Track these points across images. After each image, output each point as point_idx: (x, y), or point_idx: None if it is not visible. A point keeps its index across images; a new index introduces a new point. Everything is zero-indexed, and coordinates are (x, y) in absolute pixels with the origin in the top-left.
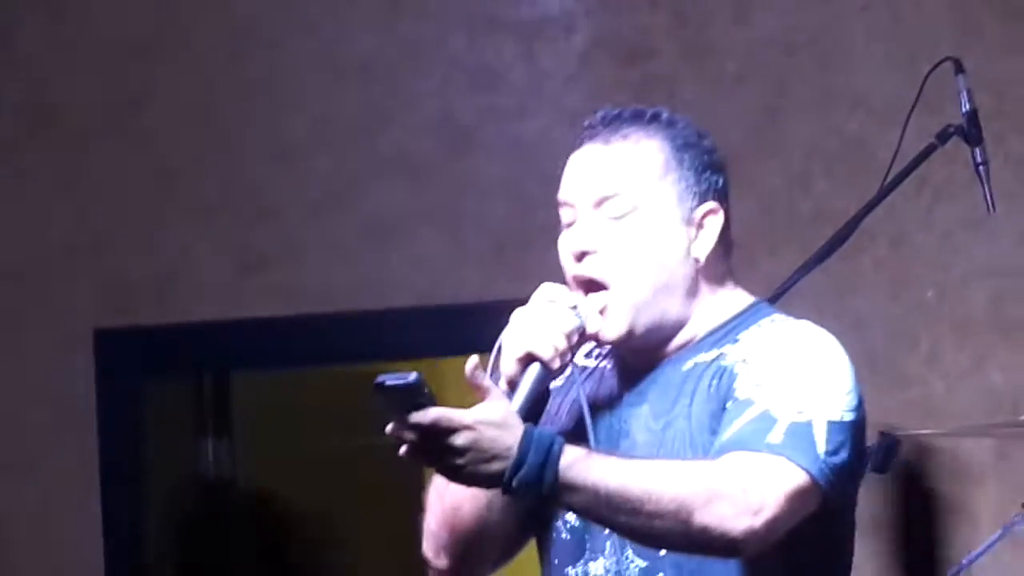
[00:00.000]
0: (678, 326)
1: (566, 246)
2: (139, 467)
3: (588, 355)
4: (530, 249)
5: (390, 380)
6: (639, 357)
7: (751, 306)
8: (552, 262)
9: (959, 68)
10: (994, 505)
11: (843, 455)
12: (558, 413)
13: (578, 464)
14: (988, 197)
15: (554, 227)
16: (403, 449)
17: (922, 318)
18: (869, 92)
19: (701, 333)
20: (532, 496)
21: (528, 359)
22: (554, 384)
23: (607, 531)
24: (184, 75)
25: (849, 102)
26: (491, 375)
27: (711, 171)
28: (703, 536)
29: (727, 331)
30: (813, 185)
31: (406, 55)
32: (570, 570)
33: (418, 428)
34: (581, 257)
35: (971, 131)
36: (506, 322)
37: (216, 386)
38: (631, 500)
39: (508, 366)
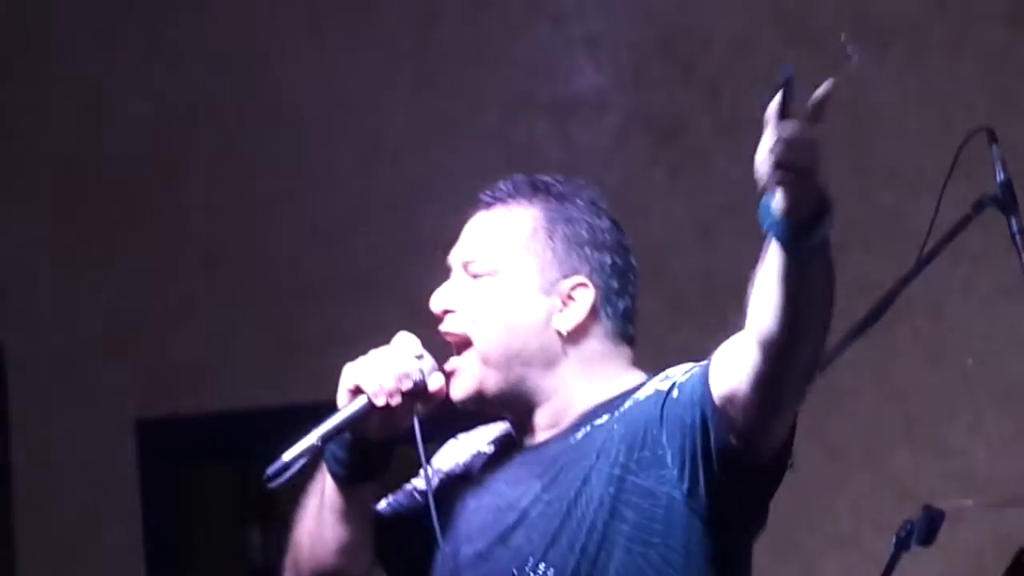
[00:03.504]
0: (540, 398)
1: (432, 304)
2: (185, 555)
3: (491, 443)
4: None
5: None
6: (525, 433)
7: (641, 383)
8: None
9: (992, 138)
10: None
11: None
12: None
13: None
14: None
15: None
16: None
17: (962, 387)
18: (903, 162)
19: (582, 409)
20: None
21: (356, 392)
22: (449, 467)
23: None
24: (219, 153)
25: (884, 172)
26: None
27: (593, 249)
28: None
29: (616, 404)
30: (850, 256)
31: (439, 134)
32: None
33: None
34: (443, 316)
35: (1006, 200)
36: None
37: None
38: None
39: (340, 396)
